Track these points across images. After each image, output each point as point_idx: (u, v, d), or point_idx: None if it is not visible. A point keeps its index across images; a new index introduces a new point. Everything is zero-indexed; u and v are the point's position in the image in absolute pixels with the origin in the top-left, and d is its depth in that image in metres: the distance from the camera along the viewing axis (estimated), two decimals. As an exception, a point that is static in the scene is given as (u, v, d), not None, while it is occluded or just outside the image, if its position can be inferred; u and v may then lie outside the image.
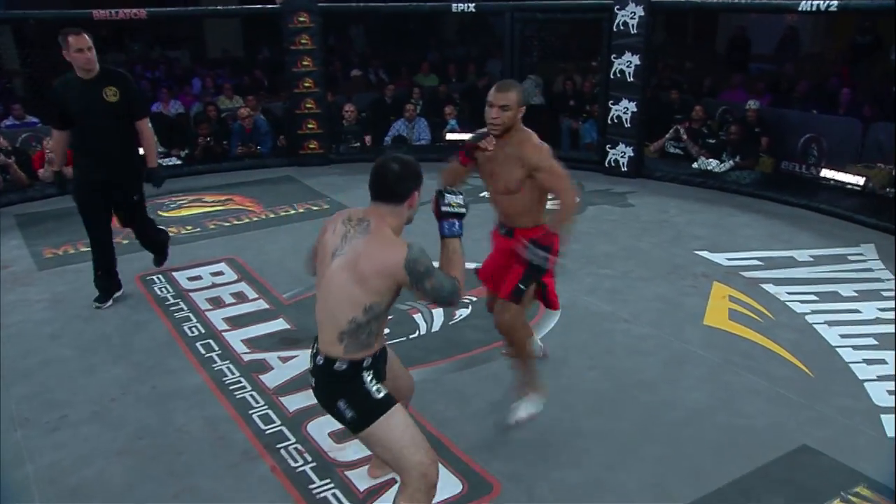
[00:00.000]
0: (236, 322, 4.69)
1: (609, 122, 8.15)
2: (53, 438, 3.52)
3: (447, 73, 11.20)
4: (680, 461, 3.26)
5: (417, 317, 4.75)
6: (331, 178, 8.33)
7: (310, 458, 3.31)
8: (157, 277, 5.43)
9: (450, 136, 9.21)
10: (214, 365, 4.16)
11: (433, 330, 4.59)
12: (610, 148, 8.23)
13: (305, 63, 8.84)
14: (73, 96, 4.47)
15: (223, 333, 4.54)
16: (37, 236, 6.33)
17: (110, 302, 4.95)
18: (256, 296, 5.09)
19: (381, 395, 2.48)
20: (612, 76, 7.99)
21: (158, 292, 5.19)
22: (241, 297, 5.08)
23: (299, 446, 3.40)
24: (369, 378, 2.48)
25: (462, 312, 4.78)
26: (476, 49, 12.23)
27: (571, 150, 9.22)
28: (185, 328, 4.63)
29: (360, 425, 2.45)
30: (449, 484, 3.12)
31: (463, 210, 2.57)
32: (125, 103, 4.51)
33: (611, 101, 8.08)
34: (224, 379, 4.01)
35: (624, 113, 7.98)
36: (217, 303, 4.99)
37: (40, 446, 3.46)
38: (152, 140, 4.80)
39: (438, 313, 4.76)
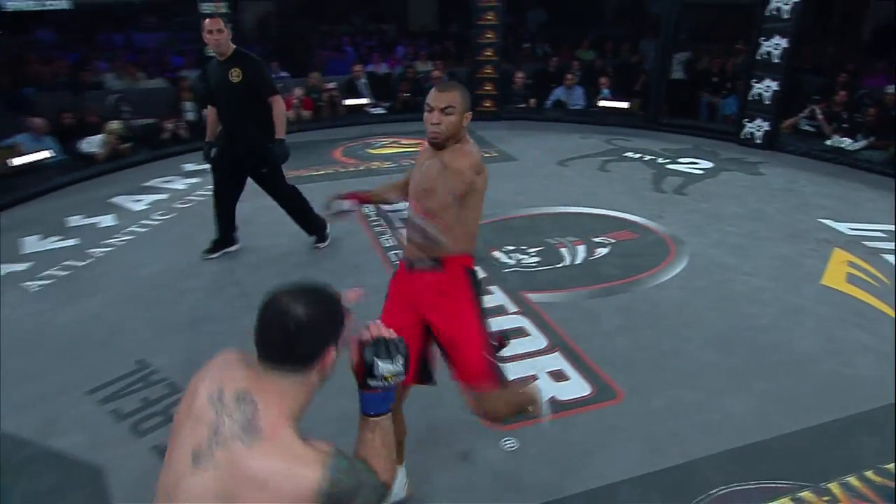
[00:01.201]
0: (421, 239, 4.84)
1: (750, 98, 7.41)
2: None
3: (604, 49, 10.62)
4: (785, 396, 3.03)
5: (563, 250, 4.67)
6: (499, 131, 8.25)
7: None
8: (364, 199, 5.68)
9: (602, 104, 8.82)
10: (403, 270, 4.34)
11: (576, 262, 4.49)
12: (747, 122, 7.50)
13: (488, 36, 8.73)
14: (211, 75, 4.11)
15: (411, 247, 4.71)
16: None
17: (217, 255, 4.50)
18: (437, 220, 5.21)
19: None
20: (758, 57, 7.22)
21: (364, 210, 5.42)
22: (425, 221, 5.22)
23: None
24: None
25: (602, 251, 4.64)
26: (631, 28, 11.44)
27: (708, 121, 8.52)
28: (382, 239, 4.84)
29: None
30: (580, 387, 3.11)
31: (399, 379, 1.35)
32: (246, 84, 4.00)
33: (754, 80, 7.32)
34: (410, 281, 4.18)
35: (765, 91, 7.23)
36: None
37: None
38: (281, 116, 4.15)
39: (582, 249, 4.65)
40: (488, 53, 8.80)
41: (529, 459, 2.64)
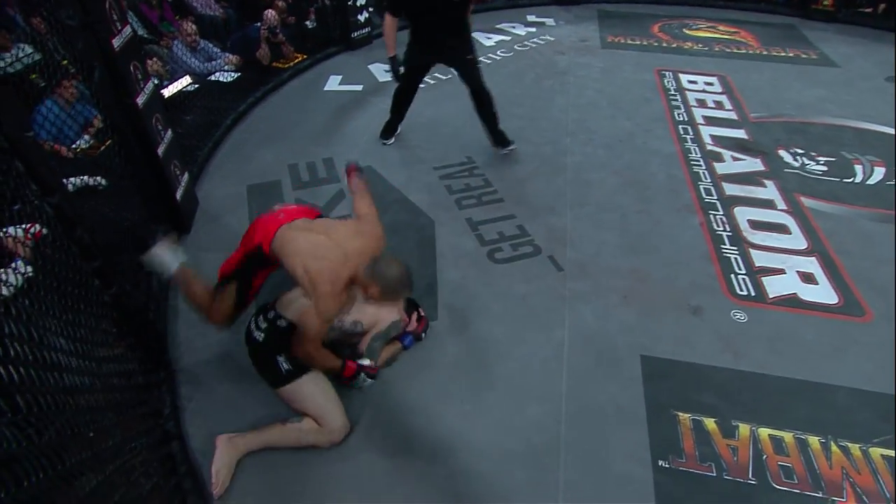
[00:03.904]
0: (710, 121, 4.09)
1: None
2: (583, 149, 3.66)
3: None
4: None
5: (858, 167, 3.57)
6: (828, 34, 6.19)
7: (728, 230, 2.94)
8: (668, 73, 4.90)
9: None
10: (686, 143, 3.77)
11: (868, 182, 3.42)
12: None
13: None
14: None
15: (699, 125, 4.02)
16: (606, 27, 6.08)
17: (392, 140, 3.70)
18: (731, 108, 4.31)
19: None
20: None
21: (665, 83, 4.72)
22: (719, 105, 4.36)
23: (724, 218, 3.02)
24: None
25: (905, 179, 3.44)
26: None
27: None
28: (675, 113, 4.21)
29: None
30: (827, 294, 2.54)
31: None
32: None
33: None
34: (689, 155, 3.63)
35: None
36: (701, 103, 4.37)
37: (576, 150, 3.64)
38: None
39: (880, 171, 3.50)
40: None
41: (754, 335, 2.31)
